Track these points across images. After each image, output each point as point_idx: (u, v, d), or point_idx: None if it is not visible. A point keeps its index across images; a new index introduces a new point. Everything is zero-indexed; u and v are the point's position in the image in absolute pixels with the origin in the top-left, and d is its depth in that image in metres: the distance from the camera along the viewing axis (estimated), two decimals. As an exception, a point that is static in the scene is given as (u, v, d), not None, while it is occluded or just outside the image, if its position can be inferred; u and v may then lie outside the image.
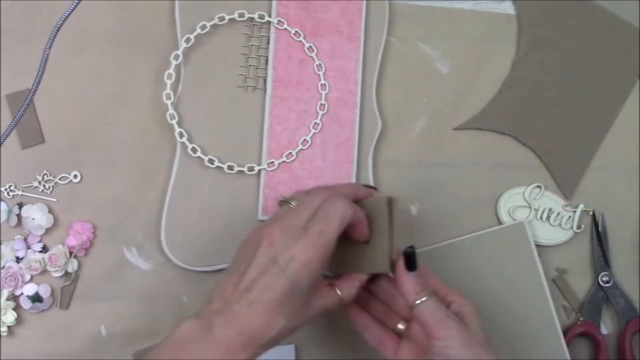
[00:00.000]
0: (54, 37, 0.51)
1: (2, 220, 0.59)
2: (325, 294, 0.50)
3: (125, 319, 0.60)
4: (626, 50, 0.66)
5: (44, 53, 0.51)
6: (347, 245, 0.51)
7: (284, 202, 0.54)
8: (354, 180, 0.61)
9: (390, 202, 0.52)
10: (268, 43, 0.62)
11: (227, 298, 0.46)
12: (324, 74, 0.61)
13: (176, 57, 0.60)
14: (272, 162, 0.61)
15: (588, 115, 0.65)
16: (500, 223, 0.63)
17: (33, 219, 0.59)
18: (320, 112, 0.61)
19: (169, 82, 0.60)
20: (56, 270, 0.59)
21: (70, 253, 0.59)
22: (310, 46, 0.61)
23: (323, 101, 0.61)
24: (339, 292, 0.50)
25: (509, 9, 0.65)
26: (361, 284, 0.52)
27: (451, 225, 0.63)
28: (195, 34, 0.61)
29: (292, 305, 0.46)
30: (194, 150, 0.60)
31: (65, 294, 0.59)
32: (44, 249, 0.59)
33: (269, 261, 0.46)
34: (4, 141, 0.53)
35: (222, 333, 0.45)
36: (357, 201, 0.53)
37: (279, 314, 0.45)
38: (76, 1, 0.51)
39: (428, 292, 0.49)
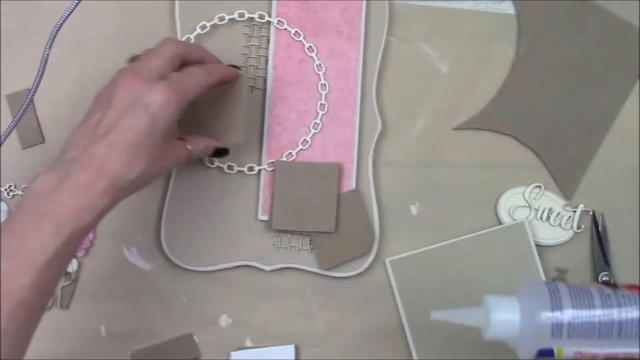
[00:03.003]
0: (54, 37, 0.51)
1: (2, 220, 0.59)
2: (177, 145, 0.52)
3: (125, 319, 0.60)
4: (626, 50, 0.66)
5: (44, 53, 0.51)
6: (203, 116, 0.56)
7: (134, 57, 0.54)
8: (353, 182, 0.61)
9: (244, 78, 0.57)
10: (268, 43, 0.62)
11: (83, 145, 0.46)
12: (324, 74, 0.61)
13: (176, 57, 0.60)
14: (272, 162, 0.61)
15: (588, 115, 0.65)
16: (500, 223, 0.63)
17: (33, 219, 0.59)
18: (320, 112, 0.61)
19: (169, 82, 0.60)
20: (56, 270, 0.58)
21: (70, 253, 0.59)
22: (310, 46, 0.61)
23: (323, 101, 0.61)
24: (189, 147, 0.52)
25: (509, 9, 0.65)
26: (210, 144, 0.55)
27: (451, 225, 0.63)
28: (195, 34, 0.61)
29: (150, 148, 0.46)
30: (194, 150, 0.60)
31: (65, 294, 0.59)
32: (44, 249, 0.59)
33: (127, 105, 0.46)
34: (4, 141, 0.53)
35: (80, 177, 0.44)
36: (225, 82, 0.55)
37: (139, 156, 0.46)
38: (76, 1, 0.51)
39: None
